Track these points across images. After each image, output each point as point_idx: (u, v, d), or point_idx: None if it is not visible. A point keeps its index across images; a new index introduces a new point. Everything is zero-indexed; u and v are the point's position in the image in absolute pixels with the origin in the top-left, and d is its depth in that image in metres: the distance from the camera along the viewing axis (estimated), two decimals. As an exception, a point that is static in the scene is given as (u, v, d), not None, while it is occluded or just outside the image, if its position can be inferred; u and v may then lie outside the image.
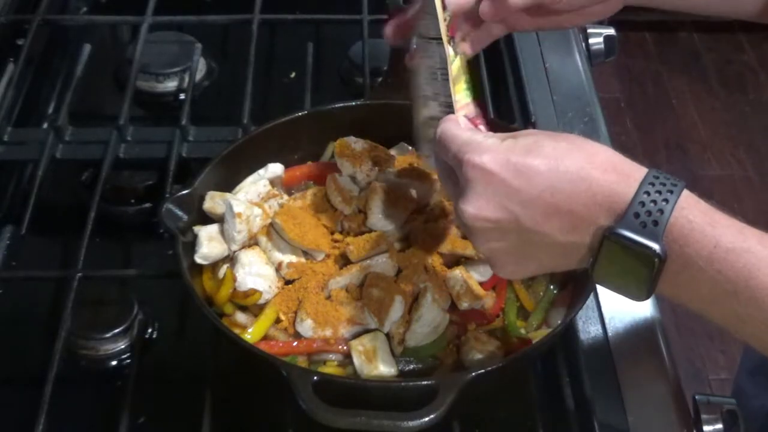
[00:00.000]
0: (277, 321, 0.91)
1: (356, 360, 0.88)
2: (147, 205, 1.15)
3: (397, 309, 0.89)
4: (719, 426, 0.95)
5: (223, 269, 0.94)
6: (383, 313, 0.88)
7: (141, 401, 0.91)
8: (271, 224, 0.96)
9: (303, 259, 0.95)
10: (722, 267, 0.67)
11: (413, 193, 1.00)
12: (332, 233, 0.97)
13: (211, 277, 0.95)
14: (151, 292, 1.03)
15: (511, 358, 0.87)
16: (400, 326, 0.90)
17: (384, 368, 0.86)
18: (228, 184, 1.02)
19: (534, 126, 1.22)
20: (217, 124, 1.21)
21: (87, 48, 1.32)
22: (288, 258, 0.94)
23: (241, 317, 0.92)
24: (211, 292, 0.93)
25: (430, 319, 0.89)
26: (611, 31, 1.45)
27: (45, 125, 1.29)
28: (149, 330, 1.01)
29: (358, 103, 1.10)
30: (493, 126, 0.87)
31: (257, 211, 0.96)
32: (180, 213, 0.94)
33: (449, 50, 0.87)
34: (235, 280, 0.91)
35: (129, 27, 1.46)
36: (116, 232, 1.15)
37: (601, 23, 1.48)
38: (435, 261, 0.93)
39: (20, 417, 0.90)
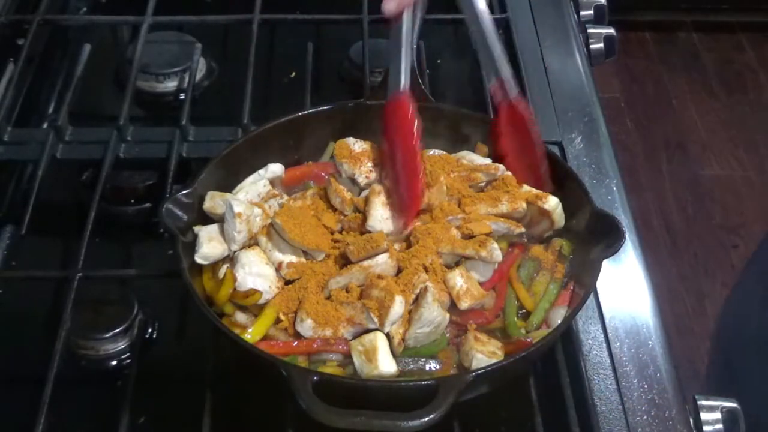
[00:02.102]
0: (277, 321, 0.91)
1: (356, 360, 0.88)
2: (147, 205, 1.15)
3: (397, 309, 0.89)
4: (719, 426, 0.95)
5: (223, 269, 0.93)
6: (383, 313, 0.88)
7: (141, 401, 0.91)
8: (272, 224, 0.96)
9: (303, 259, 0.95)
10: None
11: None
12: (332, 233, 0.97)
13: (211, 277, 0.95)
14: (151, 292, 1.03)
15: (511, 358, 0.87)
16: (400, 326, 0.90)
17: (384, 368, 0.86)
18: (228, 184, 1.02)
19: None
20: (217, 124, 1.21)
21: (87, 48, 1.32)
22: (288, 258, 0.94)
23: (241, 317, 0.92)
24: (211, 292, 0.93)
25: (431, 319, 0.89)
26: (611, 31, 1.45)
27: (45, 125, 1.29)
28: (149, 330, 1.01)
29: (358, 103, 1.10)
30: None
31: (257, 211, 0.96)
32: (180, 213, 0.94)
33: None
34: (235, 280, 0.91)
35: (129, 27, 1.46)
36: (116, 232, 1.15)
37: (600, 23, 1.49)
38: (435, 261, 0.93)
39: (20, 417, 0.90)
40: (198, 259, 0.94)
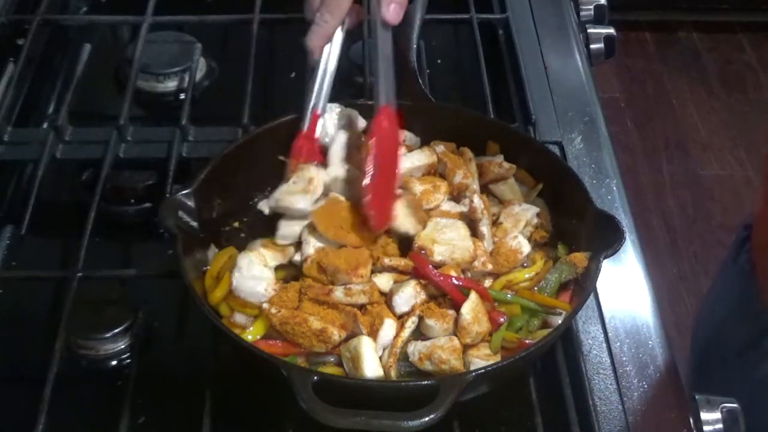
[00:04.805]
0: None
1: (345, 365, 0.88)
2: (147, 205, 1.15)
3: (386, 332, 0.89)
4: (719, 426, 0.95)
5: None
6: (374, 334, 0.89)
7: (141, 401, 0.91)
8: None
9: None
10: None
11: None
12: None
13: (214, 277, 0.95)
14: (151, 292, 1.03)
15: (510, 358, 0.87)
16: (398, 347, 0.90)
17: (369, 374, 0.86)
18: (228, 185, 1.02)
19: (534, 126, 1.22)
20: (217, 124, 1.21)
21: (87, 48, 1.31)
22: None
23: (240, 317, 0.92)
24: (208, 290, 0.93)
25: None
26: (611, 31, 1.45)
27: (45, 125, 1.29)
28: (149, 330, 1.00)
29: (359, 103, 1.10)
30: None
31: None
32: (180, 213, 0.94)
33: None
34: (231, 284, 0.92)
35: (129, 27, 1.46)
36: (116, 232, 1.14)
37: (600, 23, 1.49)
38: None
39: (20, 417, 0.90)
40: (279, 241, 0.97)
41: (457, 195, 1.02)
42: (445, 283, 0.91)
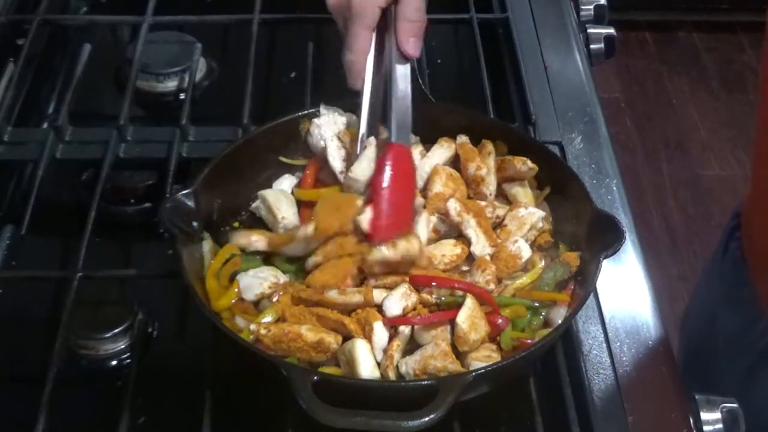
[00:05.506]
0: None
1: (342, 368, 0.88)
2: (147, 205, 1.15)
3: (379, 335, 0.88)
4: (719, 426, 0.95)
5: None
6: (367, 339, 0.88)
7: (141, 401, 0.91)
8: None
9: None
10: None
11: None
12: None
13: (215, 279, 0.95)
14: (151, 292, 1.03)
15: (511, 358, 0.87)
16: (394, 350, 0.89)
17: (366, 376, 0.86)
18: (228, 184, 1.02)
19: (534, 126, 1.22)
20: (217, 124, 1.21)
21: (87, 48, 1.32)
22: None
23: (240, 322, 0.92)
24: (212, 296, 0.93)
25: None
26: (611, 31, 1.45)
27: (45, 125, 1.29)
28: (149, 330, 1.00)
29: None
30: None
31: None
32: (180, 213, 0.94)
33: None
34: (239, 291, 0.92)
35: (129, 27, 1.46)
36: (116, 232, 1.14)
37: (600, 23, 1.49)
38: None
39: (20, 417, 0.90)
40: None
41: (476, 188, 1.02)
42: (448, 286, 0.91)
